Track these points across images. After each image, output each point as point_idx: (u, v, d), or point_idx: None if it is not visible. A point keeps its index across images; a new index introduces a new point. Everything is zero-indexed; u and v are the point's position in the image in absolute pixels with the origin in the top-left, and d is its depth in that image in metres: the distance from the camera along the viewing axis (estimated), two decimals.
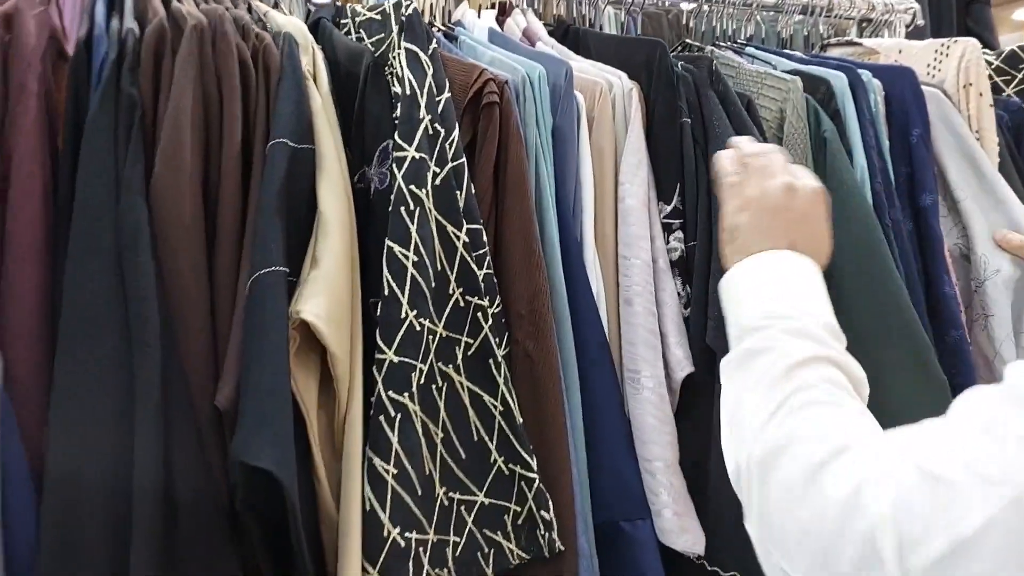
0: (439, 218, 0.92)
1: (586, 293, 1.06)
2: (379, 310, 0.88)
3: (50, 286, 0.81)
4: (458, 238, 0.93)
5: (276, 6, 1.14)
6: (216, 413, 0.82)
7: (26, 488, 0.75)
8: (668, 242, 1.14)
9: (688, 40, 1.81)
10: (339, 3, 1.17)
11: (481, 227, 0.95)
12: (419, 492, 0.86)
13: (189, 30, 0.86)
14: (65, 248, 0.81)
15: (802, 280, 0.69)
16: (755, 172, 0.76)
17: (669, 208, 1.15)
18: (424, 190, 0.91)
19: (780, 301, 0.68)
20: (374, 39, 1.04)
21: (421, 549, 0.87)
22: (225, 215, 0.87)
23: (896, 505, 0.49)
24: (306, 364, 0.87)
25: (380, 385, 0.86)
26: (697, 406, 1.07)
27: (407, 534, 0.86)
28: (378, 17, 1.05)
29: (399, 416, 0.86)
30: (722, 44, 1.73)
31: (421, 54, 0.96)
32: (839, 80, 1.28)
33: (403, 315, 0.86)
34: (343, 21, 1.06)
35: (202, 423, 0.81)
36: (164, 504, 0.75)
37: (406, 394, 0.87)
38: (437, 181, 0.93)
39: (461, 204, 0.93)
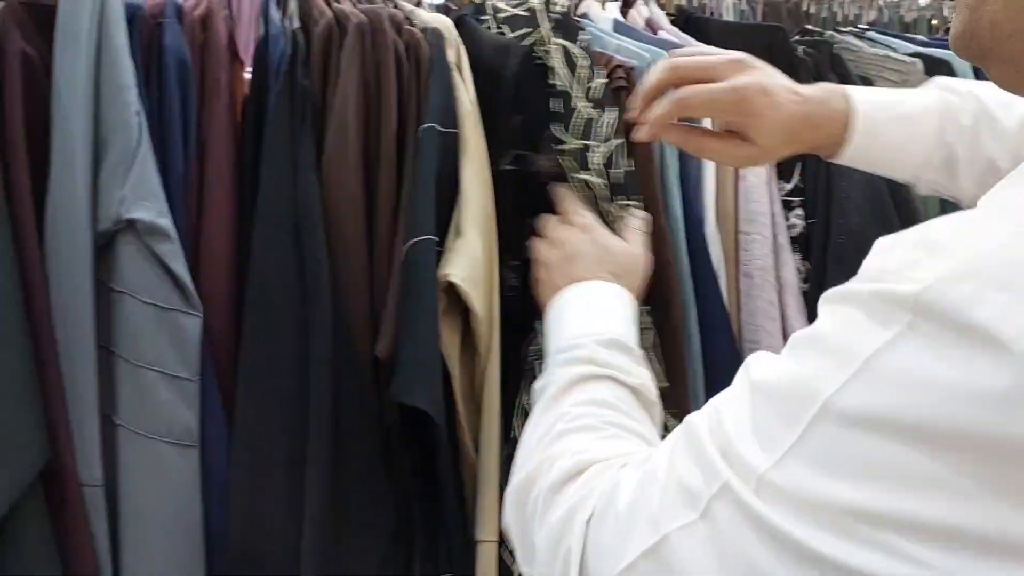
0: (601, 196, 0.99)
1: (707, 265, 1.12)
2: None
3: (239, 247, 0.95)
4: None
5: (419, 4, 1.25)
6: (373, 361, 0.92)
7: (220, 418, 0.88)
8: (788, 219, 1.19)
9: (808, 27, 1.83)
10: (477, 1, 1.27)
11: (640, 202, 1.02)
12: None
13: (353, 27, 0.98)
14: (249, 215, 0.93)
15: (596, 303, 0.75)
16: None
17: (790, 186, 1.20)
18: (587, 172, 0.98)
19: (568, 329, 0.74)
20: (518, 33, 1.12)
21: None
22: (383, 190, 0.98)
23: (586, 534, 0.50)
24: (450, 323, 0.96)
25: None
26: None
27: None
28: (524, 13, 1.13)
29: None
30: (843, 29, 1.74)
31: (575, 47, 1.05)
32: (961, 62, 1.29)
33: None
34: (483, 17, 1.15)
35: (361, 369, 0.92)
36: (333, 434, 0.88)
37: None
38: (597, 161, 1.01)
39: (622, 180, 1.01)
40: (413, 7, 1.21)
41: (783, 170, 1.20)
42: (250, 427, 0.90)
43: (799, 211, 1.19)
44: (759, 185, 1.17)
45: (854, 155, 0.81)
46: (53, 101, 0.86)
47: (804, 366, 0.42)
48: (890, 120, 0.80)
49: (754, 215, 1.17)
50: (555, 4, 1.08)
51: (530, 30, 1.09)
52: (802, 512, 0.40)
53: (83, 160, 0.85)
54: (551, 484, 0.56)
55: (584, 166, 0.99)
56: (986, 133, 0.80)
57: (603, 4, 1.55)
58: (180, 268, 0.88)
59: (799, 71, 1.24)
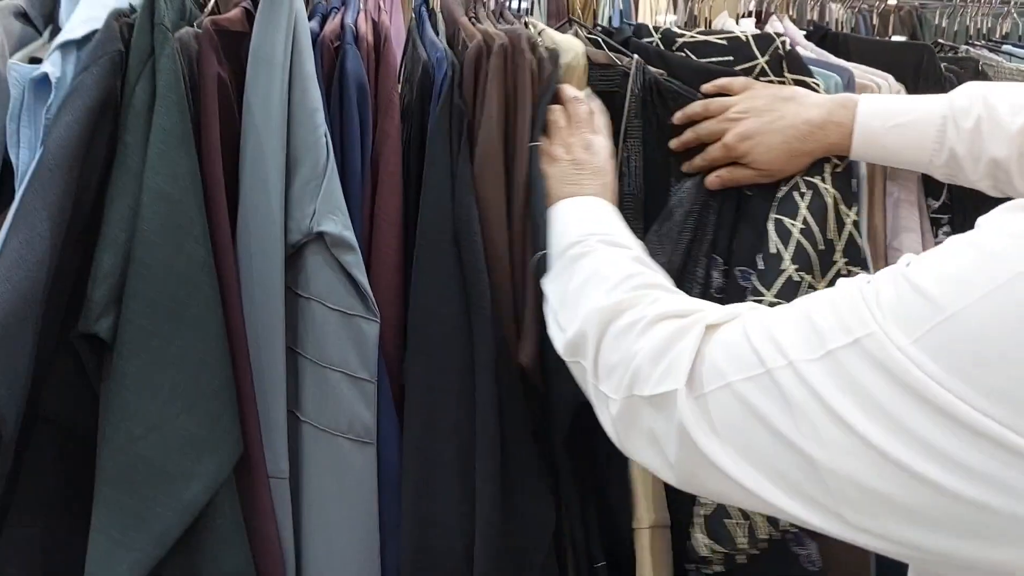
0: (836, 196, 1.03)
1: None
2: (760, 263, 1.01)
3: (407, 257, 1.01)
4: (848, 216, 1.04)
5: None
6: (519, 368, 0.98)
7: (393, 418, 0.97)
8: (936, 236, 1.18)
9: (940, 40, 1.79)
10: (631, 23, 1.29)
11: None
12: None
13: (497, 48, 1.02)
14: (414, 226, 1.00)
15: (611, 217, 0.88)
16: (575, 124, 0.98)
17: (938, 203, 1.19)
18: (820, 178, 1.03)
19: (597, 224, 0.87)
20: (719, 60, 1.14)
21: None
22: (518, 203, 1.04)
23: (701, 345, 0.61)
24: None
25: None
26: None
27: None
28: (720, 41, 1.14)
29: None
30: (976, 43, 1.70)
31: (813, 81, 1.10)
32: None
33: (783, 267, 0.99)
34: (645, 40, 1.17)
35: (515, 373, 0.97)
36: (500, 437, 0.93)
37: None
38: (838, 169, 1.05)
39: (854, 189, 1.07)
40: (544, 26, 1.25)
41: (932, 187, 1.19)
42: (419, 430, 0.95)
43: (947, 228, 1.18)
44: (906, 201, 1.17)
45: (860, 157, 1.03)
46: (246, 121, 0.93)
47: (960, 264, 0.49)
48: (888, 129, 0.98)
49: (901, 230, 1.16)
50: (782, 44, 1.10)
51: (731, 58, 1.13)
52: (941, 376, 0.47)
53: (276, 176, 0.92)
54: (657, 313, 0.67)
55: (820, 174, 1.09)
56: (987, 134, 0.93)
57: (737, 19, 1.56)
58: (362, 277, 0.94)
59: (945, 89, 1.22)
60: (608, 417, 0.68)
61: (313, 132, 0.91)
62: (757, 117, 1.01)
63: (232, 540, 0.89)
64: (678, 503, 1.00)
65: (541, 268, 0.96)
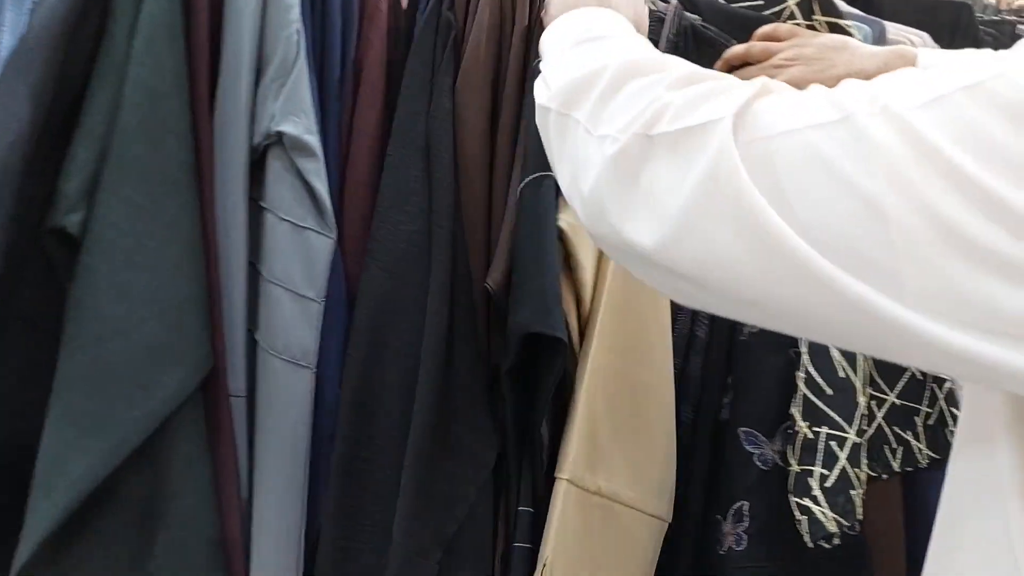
0: None
1: None
2: None
3: (379, 158, 1.03)
4: None
5: None
6: (485, 293, 1.02)
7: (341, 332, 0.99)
8: None
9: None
10: None
11: None
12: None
13: None
14: (388, 131, 1.04)
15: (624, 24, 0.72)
16: None
17: None
18: None
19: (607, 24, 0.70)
20: (743, 3, 1.14)
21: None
22: (505, 120, 1.05)
23: (746, 105, 0.51)
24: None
25: None
26: None
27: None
28: None
29: None
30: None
31: (846, 24, 1.10)
32: None
33: None
34: None
35: (475, 299, 1.02)
36: (446, 359, 0.97)
37: None
38: None
39: None
40: None
41: None
42: (365, 348, 1.00)
43: None
44: None
45: None
46: (225, 15, 0.95)
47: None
48: None
49: None
50: None
51: (760, 1, 1.11)
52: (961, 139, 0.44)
53: (246, 75, 0.94)
54: (681, 75, 0.57)
55: None
56: None
57: None
58: (321, 186, 0.97)
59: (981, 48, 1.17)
60: (592, 170, 0.57)
61: (285, 28, 0.94)
62: (806, 65, 0.95)
63: (196, 453, 0.91)
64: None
65: (527, 193, 0.99)
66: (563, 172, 0.62)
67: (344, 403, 0.99)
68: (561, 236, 1.00)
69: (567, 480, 1.00)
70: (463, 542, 0.98)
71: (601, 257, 1.04)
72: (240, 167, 0.94)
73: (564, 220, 0.99)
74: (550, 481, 1.00)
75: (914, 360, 0.59)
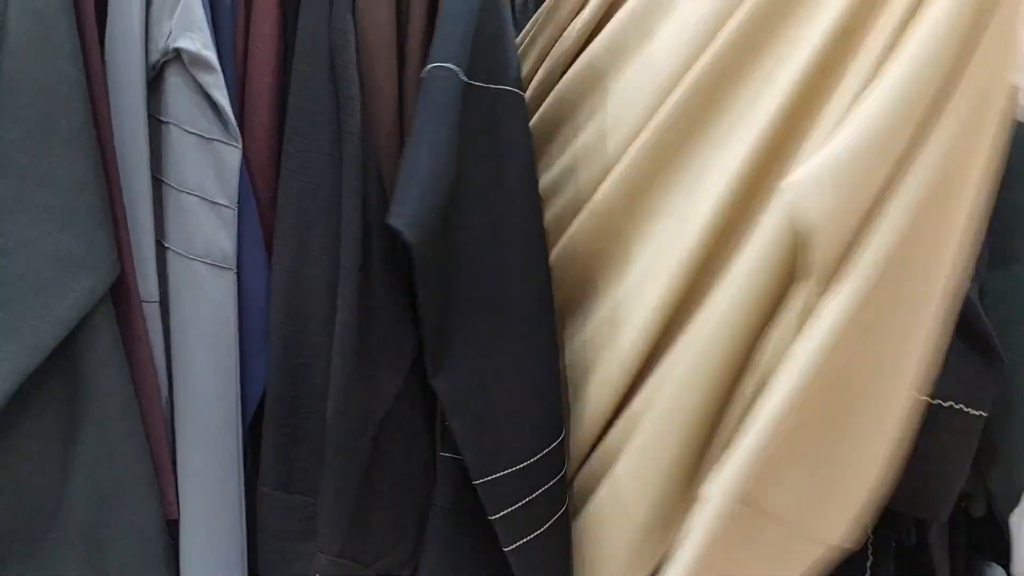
0: None
1: None
2: None
3: (281, 84, 1.03)
4: None
5: None
6: None
7: (260, 244, 1.01)
8: None
9: None
10: None
11: None
12: None
13: None
14: (291, 52, 1.03)
15: None
16: None
17: None
18: None
19: None
20: None
21: None
22: (414, 25, 1.02)
23: None
24: None
25: None
26: None
27: None
28: None
29: None
30: None
31: None
32: None
33: None
34: None
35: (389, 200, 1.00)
36: (362, 256, 0.96)
37: None
38: None
39: None
40: None
41: None
42: (289, 253, 1.00)
43: None
44: None
45: None
46: None
47: None
48: None
49: None
50: None
51: None
52: None
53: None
54: None
55: None
56: None
57: None
58: (222, 98, 0.98)
59: None
60: None
61: None
62: None
63: (111, 360, 0.93)
64: None
65: (429, 83, 0.96)
66: None
67: (274, 306, 0.99)
68: None
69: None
70: (396, 422, 0.97)
71: None
72: (137, 84, 0.94)
73: None
74: None
75: None
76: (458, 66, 0.96)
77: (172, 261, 0.98)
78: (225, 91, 0.97)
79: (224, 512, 0.98)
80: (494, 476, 0.98)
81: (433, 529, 1.03)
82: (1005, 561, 1.17)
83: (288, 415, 0.99)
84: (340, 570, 0.97)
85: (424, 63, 1.01)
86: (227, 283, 0.98)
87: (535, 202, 1.04)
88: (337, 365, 0.95)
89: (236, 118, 1.00)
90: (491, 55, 1.00)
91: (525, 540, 0.99)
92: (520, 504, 1.00)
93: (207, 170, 0.96)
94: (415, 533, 1.03)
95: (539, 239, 1.02)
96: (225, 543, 0.99)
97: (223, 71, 0.98)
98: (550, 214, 1.07)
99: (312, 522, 0.98)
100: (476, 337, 0.98)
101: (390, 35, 1.02)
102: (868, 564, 1.12)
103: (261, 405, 1.02)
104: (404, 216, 0.92)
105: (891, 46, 0.85)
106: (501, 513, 0.98)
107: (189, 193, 0.97)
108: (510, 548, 0.98)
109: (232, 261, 0.98)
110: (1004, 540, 1.16)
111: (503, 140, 1.01)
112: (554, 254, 1.05)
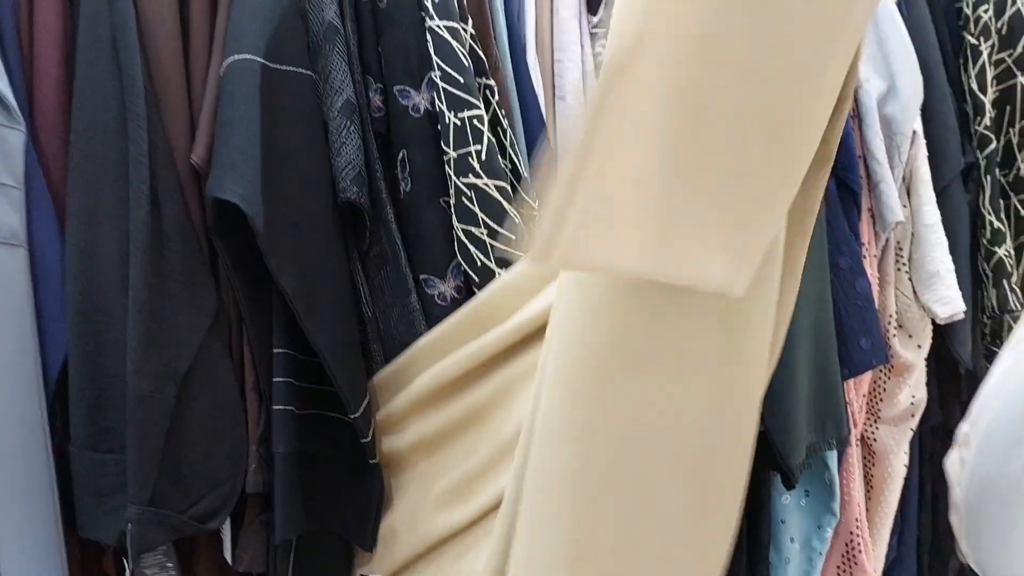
0: None
1: (530, 90, 1.22)
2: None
3: (67, 67, 1.07)
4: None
5: None
6: (191, 169, 1.08)
7: (52, 222, 1.05)
8: (595, 49, 1.27)
9: None
10: None
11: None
12: None
13: None
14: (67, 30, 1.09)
15: None
16: None
17: (596, 19, 1.28)
18: None
19: None
20: None
21: None
22: (197, 12, 1.11)
23: None
24: None
25: None
26: None
27: None
28: None
29: None
30: None
31: None
32: None
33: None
34: None
35: (181, 176, 1.07)
36: (156, 232, 1.03)
37: None
38: None
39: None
40: None
41: (592, 3, 1.27)
42: (80, 226, 1.05)
43: (603, 42, 1.27)
44: (569, 18, 1.25)
45: None
46: None
47: None
48: None
49: (566, 44, 1.25)
50: None
51: None
52: None
53: None
54: None
55: None
56: None
57: None
58: (2, 84, 1.02)
59: None
60: None
61: None
62: None
63: None
64: None
65: (231, 73, 1.03)
66: None
67: (69, 276, 1.03)
68: None
69: None
70: (199, 377, 1.04)
71: None
72: None
73: None
74: None
75: None
76: (254, 54, 1.04)
77: None
78: (4, 75, 1.00)
79: (34, 474, 1.01)
80: None
81: (279, 473, 1.09)
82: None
83: (90, 378, 1.03)
84: (153, 517, 1.02)
85: (209, 41, 1.09)
86: (18, 258, 1.01)
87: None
88: (133, 328, 1.00)
89: (25, 102, 1.04)
90: (287, 40, 1.08)
91: None
92: None
93: None
94: (230, 478, 1.10)
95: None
96: (37, 503, 1.02)
97: (5, 57, 1.02)
98: None
99: (123, 477, 1.02)
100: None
101: (172, 15, 1.08)
102: None
103: (66, 372, 1.06)
104: (236, 192, 0.99)
105: None
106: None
107: None
108: None
109: (22, 238, 1.01)
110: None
111: (302, 116, 1.10)
112: None
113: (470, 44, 1.17)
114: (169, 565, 1.15)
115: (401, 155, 1.16)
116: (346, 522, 1.18)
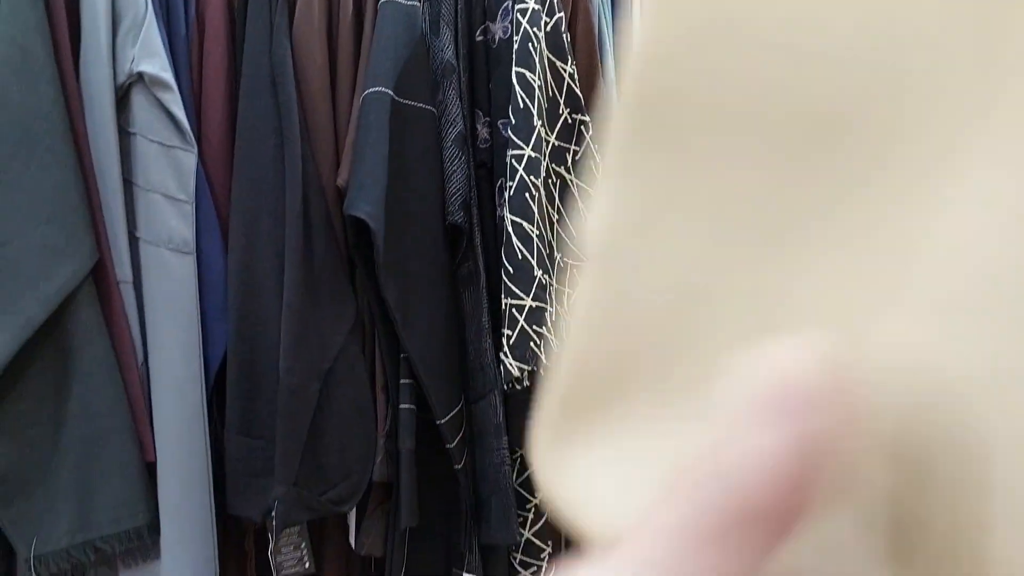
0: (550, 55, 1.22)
1: None
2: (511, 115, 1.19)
3: (231, 98, 1.22)
4: (565, 71, 1.23)
5: None
6: (336, 191, 1.21)
7: (216, 234, 1.19)
8: None
9: None
10: None
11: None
12: None
13: None
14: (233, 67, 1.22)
15: None
16: None
17: None
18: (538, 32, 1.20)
19: None
20: None
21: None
22: (343, 52, 1.23)
23: None
24: None
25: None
26: None
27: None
28: None
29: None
30: None
31: None
32: None
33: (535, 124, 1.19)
34: None
35: (328, 197, 1.21)
36: (307, 248, 1.16)
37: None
38: (548, 28, 1.22)
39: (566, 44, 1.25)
40: None
41: None
42: (242, 240, 1.19)
43: None
44: None
45: None
46: None
47: None
48: None
49: None
50: None
51: None
52: None
53: (105, 30, 1.13)
54: None
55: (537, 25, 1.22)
56: None
57: None
58: (179, 113, 1.16)
59: None
60: None
61: None
62: None
63: (94, 330, 1.11)
64: None
65: (368, 104, 1.15)
66: None
67: (231, 283, 1.16)
68: None
69: None
70: (338, 376, 1.16)
71: None
72: (107, 102, 1.12)
73: None
74: None
75: None
76: (386, 87, 1.16)
77: (142, 248, 1.15)
78: (181, 106, 1.14)
79: (193, 455, 1.14)
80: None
81: (405, 467, 1.18)
82: None
83: (246, 373, 1.16)
84: (297, 497, 1.14)
85: (353, 79, 1.23)
86: (188, 265, 1.15)
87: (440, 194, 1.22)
88: (286, 331, 1.13)
89: (194, 128, 1.18)
90: (414, 78, 1.20)
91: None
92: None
93: (168, 172, 1.13)
94: (360, 469, 1.21)
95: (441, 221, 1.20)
96: (195, 480, 1.15)
97: (180, 89, 1.16)
98: None
99: (271, 461, 1.15)
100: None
101: (322, 55, 1.21)
102: None
103: (224, 366, 1.18)
104: (365, 209, 1.11)
105: None
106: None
107: (154, 191, 1.14)
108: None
109: (192, 247, 1.15)
110: None
111: (423, 146, 1.22)
112: None
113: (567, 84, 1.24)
114: (303, 546, 1.25)
115: (499, 183, 1.25)
116: (444, 519, 1.26)
